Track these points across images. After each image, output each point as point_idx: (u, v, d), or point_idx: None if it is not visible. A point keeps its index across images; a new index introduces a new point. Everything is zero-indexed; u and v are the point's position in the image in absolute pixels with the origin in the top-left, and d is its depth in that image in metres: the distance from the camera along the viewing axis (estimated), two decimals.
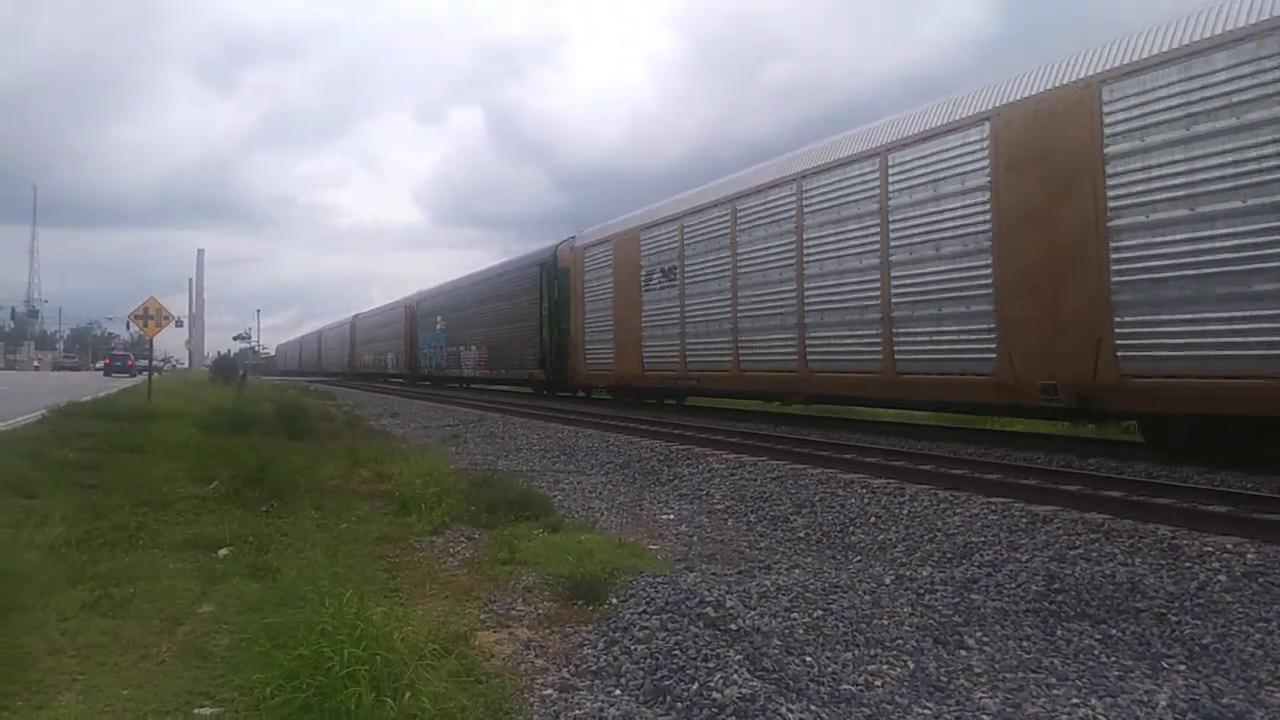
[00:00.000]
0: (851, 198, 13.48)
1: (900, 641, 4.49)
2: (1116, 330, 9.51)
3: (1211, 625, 4.69)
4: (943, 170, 11.85)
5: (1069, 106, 10.09)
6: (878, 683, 4.02)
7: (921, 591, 5.24)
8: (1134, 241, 9.35)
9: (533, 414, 19.77)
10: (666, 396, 22.47)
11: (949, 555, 6.68)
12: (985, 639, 4.60)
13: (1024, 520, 7.06)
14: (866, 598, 5.08)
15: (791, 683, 3.89)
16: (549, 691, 3.82)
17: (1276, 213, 8.14)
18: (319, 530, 6.70)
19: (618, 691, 3.83)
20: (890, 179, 12.68)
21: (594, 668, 4.09)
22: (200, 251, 60.94)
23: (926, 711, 3.79)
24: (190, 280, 60.66)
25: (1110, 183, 9.59)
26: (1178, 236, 8.92)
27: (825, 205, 14.08)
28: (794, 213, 14.75)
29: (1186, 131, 8.87)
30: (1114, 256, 9.53)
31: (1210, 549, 5.88)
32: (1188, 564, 5.74)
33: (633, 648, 4.22)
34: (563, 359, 24.88)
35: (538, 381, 27.61)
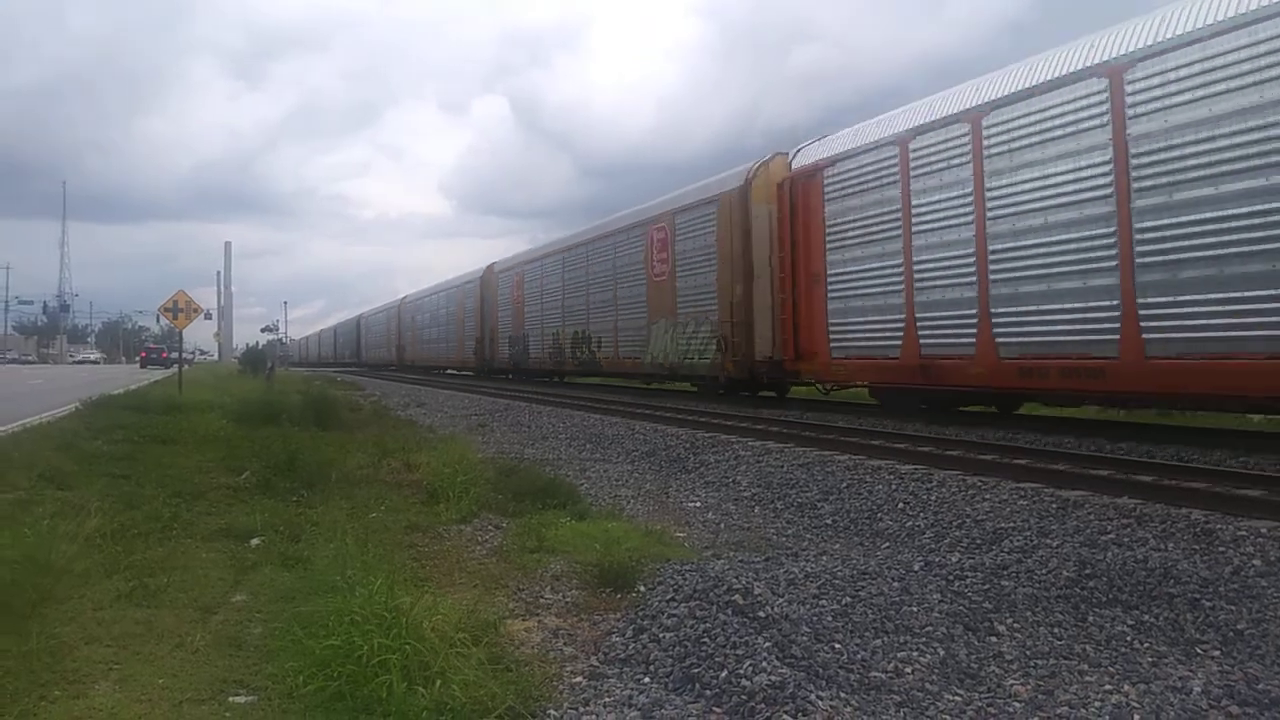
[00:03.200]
0: None
1: (930, 628, 4.46)
2: None
3: (1246, 610, 4.63)
4: None
5: None
6: (908, 670, 4.00)
7: (951, 578, 5.21)
8: None
9: (558, 403, 19.82)
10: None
11: (978, 541, 6.64)
12: (1016, 626, 4.57)
13: (1054, 505, 7.00)
14: (895, 584, 5.05)
15: (821, 670, 3.88)
16: (578, 679, 3.84)
17: None
18: (349, 520, 6.75)
19: (646, 679, 3.84)
20: None
21: (623, 655, 4.10)
22: (228, 244, 61.23)
23: (957, 698, 3.77)
24: (218, 273, 61.02)
25: None
26: None
27: None
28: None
29: None
30: None
31: (1244, 533, 5.81)
32: (1221, 549, 5.67)
33: (661, 635, 4.22)
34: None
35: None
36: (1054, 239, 10.51)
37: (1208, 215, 8.90)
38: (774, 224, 16.12)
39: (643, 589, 4.97)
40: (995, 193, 11.27)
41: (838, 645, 4.18)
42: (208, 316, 45.95)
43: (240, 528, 6.58)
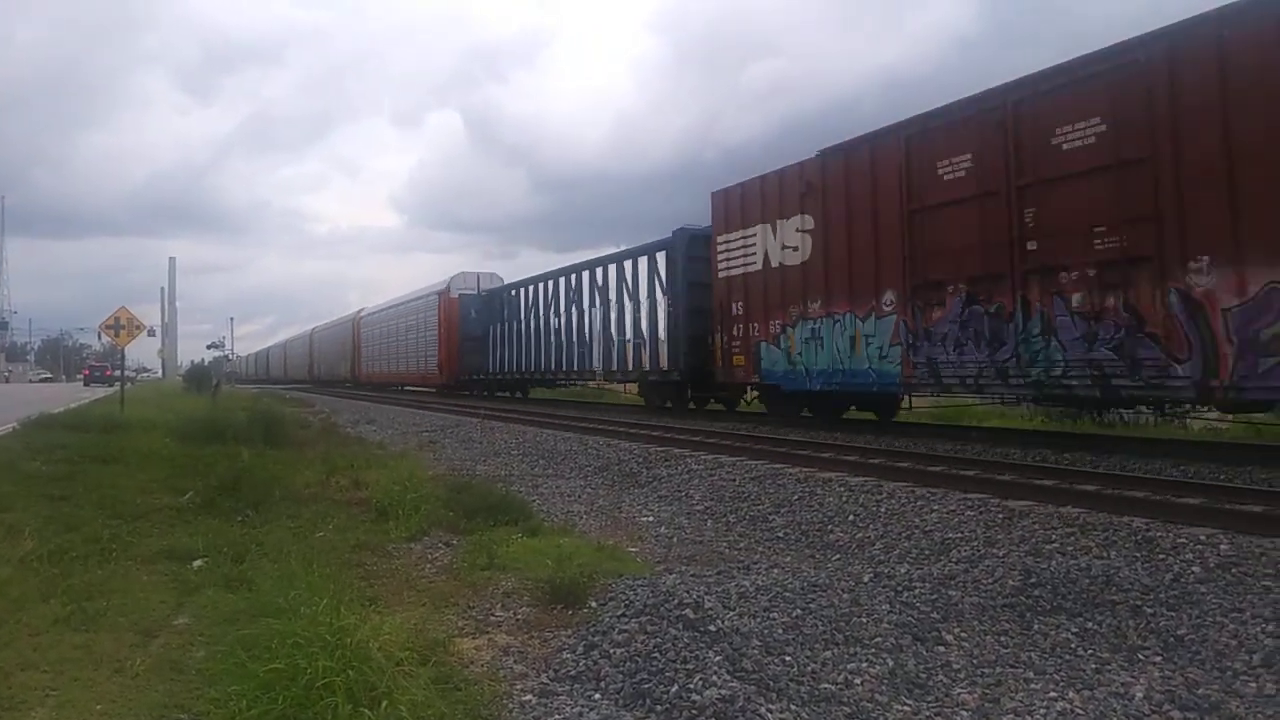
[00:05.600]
0: None
1: (879, 639, 4.50)
2: None
3: (1186, 616, 4.73)
4: None
5: None
6: (857, 681, 4.02)
7: (900, 589, 5.26)
8: None
9: (511, 418, 19.70)
10: None
11: (927, 552, 6.71)
12: (963, 635, 4.62)
13: (1000, 516, 7.10)
14: (845, 596, 5.09)
15: (771, 683, 3.89)
16: (528, 697, 3.81)
17: None
18: (295, 539, 6.64)
19: (597, 695, 3.82)
20: None
21: (573, 672, 4.07)
22: (172, 260, 60.56)
23: (906, 708, 3.80)
24: (163, 289, 60.05)
25: None
26: None
27: None
28: None
29: None
30: None
31: (1184, 540, 5.93)
32: (1162, 556, 5.79)
33: (612, 651, 4.20)
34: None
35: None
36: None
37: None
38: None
39: (594, 605, 4.95)
40: (364, 334, 47.23)
41: (788, 658, 4.20)
42: (151, 333, 45.10)
43: (183, 549, 6.44)
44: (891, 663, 4.22)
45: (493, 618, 4.99)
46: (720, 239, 16.92)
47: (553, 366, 26.01)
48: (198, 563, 6.14)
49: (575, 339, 24.46)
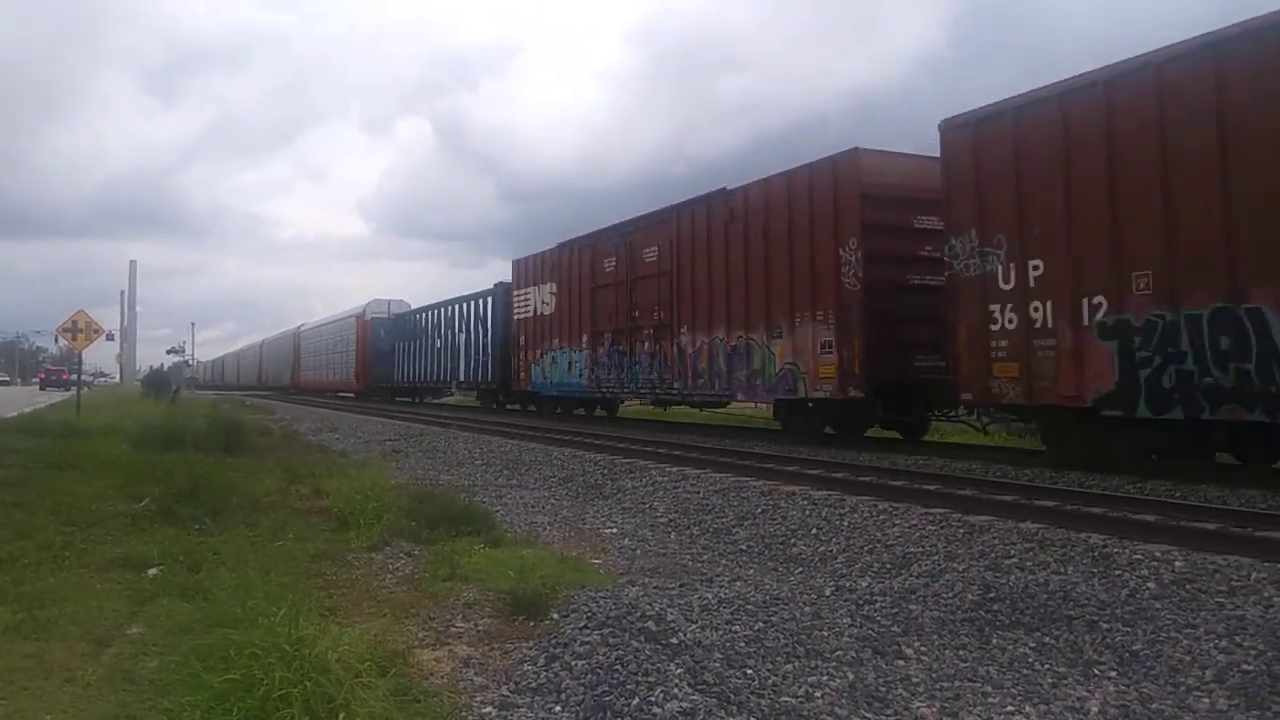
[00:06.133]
0: None
1: (840, 652, 4.51)
2: None
3: (1141, 632, 4.80)
4: None
5: None
6: (818, 694, 4.03)
7: (861, 602, 5.29)
8: None
9: (475, 428, 19.61)
10: None
11: (888, 566, 6.76)
12: (923, 649, 4.65)
13: (961, 530, 7.16)
14: (807, 609, 5.10)
15: (732, 696, 3.89)
16: (488, 709, 3.77)
17: None
18: (253, 548, 6.56)
19: (558, 708, 3.80)
20: None
21: (534, 684, 4.05)
22: (132, 263, 59.48)
23: None
24: (122, 292, 59.14)
25: None
26: None
27: None
28: None
29: None
30: None
31: (1140, 557, 6.02)
32: (1119, 572, 5.87)
33: (574, 663, 4.18)
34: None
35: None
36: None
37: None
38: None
39: (556, 616, 4.92)
40: (303, 347, 52.96)
41: (749, 671, 4.20)
42: (110, 337, 44.41)
43: (138, 557, 6.34)
44: (852, 676, 4.24)
45: (454, 629, 4.95)
46: (515, 293, 25.38)
47: (435, 378, 33.05)
48: (153, 571, 6.04)
49: (449, 357, 31.22)
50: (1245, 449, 9.78)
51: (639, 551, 7.61)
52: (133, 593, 5.51)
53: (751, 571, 6.88)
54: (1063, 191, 9.90)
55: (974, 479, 9.65)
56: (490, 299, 27.58)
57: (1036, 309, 10.19)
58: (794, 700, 3.95)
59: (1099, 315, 9.55)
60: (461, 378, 30.37)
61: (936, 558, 6.68)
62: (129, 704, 3.78)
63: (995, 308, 10.63)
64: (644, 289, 18.68)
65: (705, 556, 7.48)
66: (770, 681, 4.11)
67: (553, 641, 4.51)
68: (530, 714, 3.73)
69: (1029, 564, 6.26)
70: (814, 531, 7.83)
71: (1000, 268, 10.60)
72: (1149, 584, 5.56)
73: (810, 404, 14.51)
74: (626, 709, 3.70)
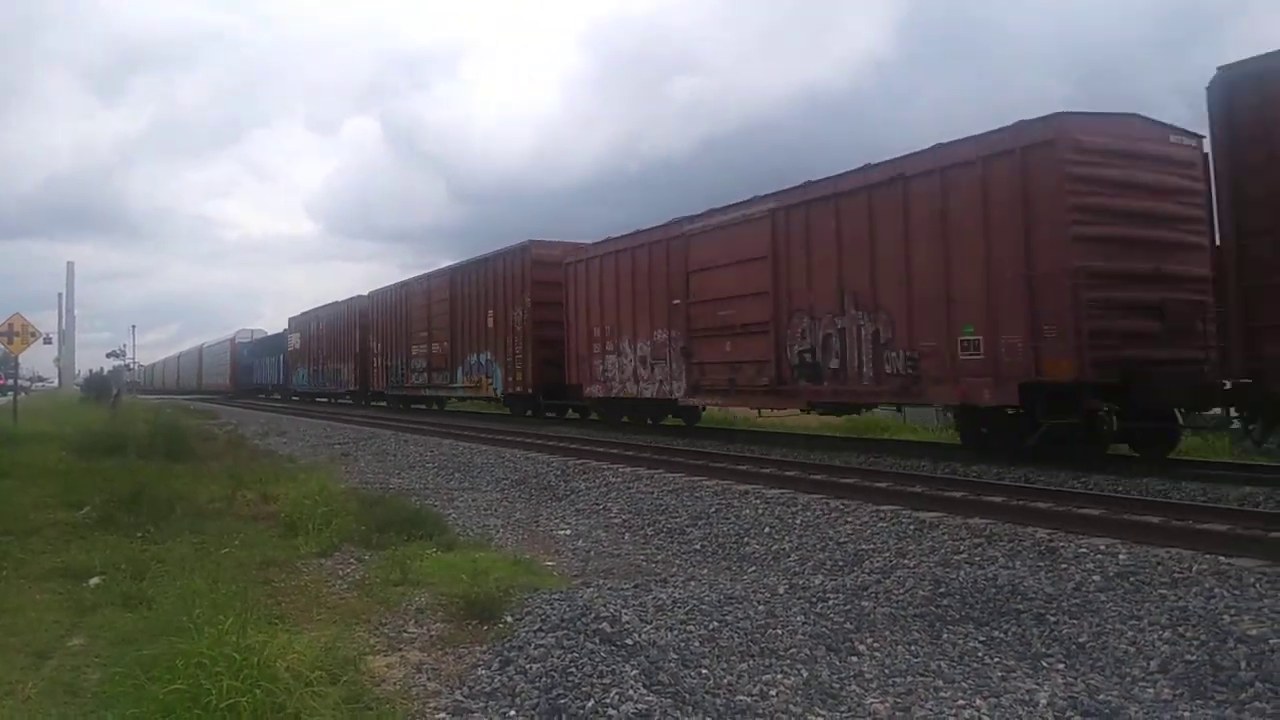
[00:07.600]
0: None
1: (794, 650, 4.54)
2: None
3: (1087, 624, 4.88)
4: None
5: None
6: (773, 692, 4.05)
7: (814, 600, 5.32)
8: None
9: (426, 431, 19.43)
10: None
11: (840, 563, 6.81)
12: (876, 645, 4.70)
13: (911, 527, 7.24)
14: (761, 608, 5.12)
15: (688, 696, 3.89)
16: (441, 715, 3.74)
17: None
18: (199, 556, 6.42)
19: (512, 712, 3.77)
20: None
21: (488, 688, 4.01)
22: (70, 264, 58.26)
23: (820, 719, 3.84)
24: (60, 295, 57.76)
25: None
26: None
27: None
28: None
29: None
30: None
31: (1085, 550, 6.13)
32: (1064, 565, 5.96)
33: (528, 667, 4.16)
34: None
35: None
36: None
37: None
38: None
39: (510, 619, 4.88)
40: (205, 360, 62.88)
41: (704, 670, 4.20)
42: (47, 341, 43.18)
43: (78, 566, 6.18)
44: (806, 673, 4.26)
45: (405, 634, 4.89)
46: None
47: (271, 383, 46.05)
48: (94, 580, 5.90)
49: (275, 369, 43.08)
50: None
51: (593, 553, 7.59)
52: (74, 603, 5.38)
53: (705, 571, 6.89)
54: None
55: (924, 476, 9.77)
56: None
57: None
58: (749, 699, 3.96)
59: None
60: (278, 381, 46.73)
61: (888, 554, 6.74)
62: (71, 717, 3.69)
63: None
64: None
65: (659, 557, 7.48)
66: (725, 681, 4.12)
67: (507, 645, 4.47)
68: (485, 719, 3.70)
69: (978, 559, 6.34)
70: (767, 530, 7.87)
71: None
72: (1094, 577, 5.65)
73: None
74: (582, 711, 3.68)
